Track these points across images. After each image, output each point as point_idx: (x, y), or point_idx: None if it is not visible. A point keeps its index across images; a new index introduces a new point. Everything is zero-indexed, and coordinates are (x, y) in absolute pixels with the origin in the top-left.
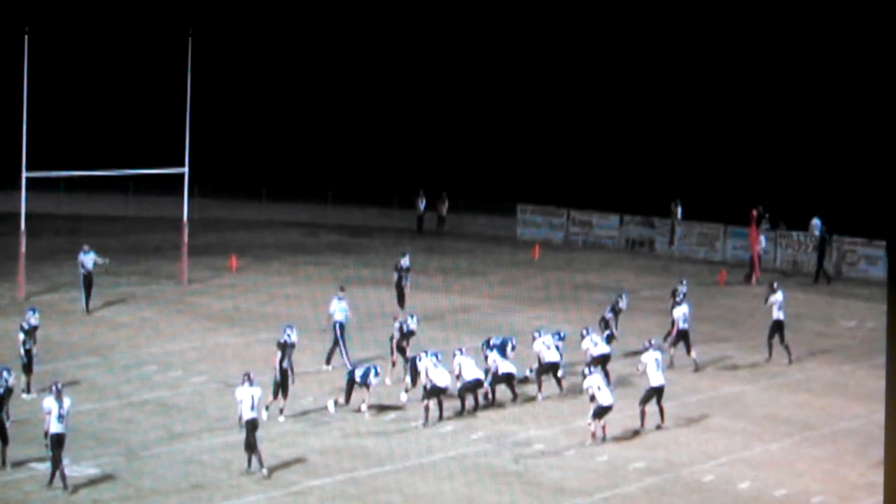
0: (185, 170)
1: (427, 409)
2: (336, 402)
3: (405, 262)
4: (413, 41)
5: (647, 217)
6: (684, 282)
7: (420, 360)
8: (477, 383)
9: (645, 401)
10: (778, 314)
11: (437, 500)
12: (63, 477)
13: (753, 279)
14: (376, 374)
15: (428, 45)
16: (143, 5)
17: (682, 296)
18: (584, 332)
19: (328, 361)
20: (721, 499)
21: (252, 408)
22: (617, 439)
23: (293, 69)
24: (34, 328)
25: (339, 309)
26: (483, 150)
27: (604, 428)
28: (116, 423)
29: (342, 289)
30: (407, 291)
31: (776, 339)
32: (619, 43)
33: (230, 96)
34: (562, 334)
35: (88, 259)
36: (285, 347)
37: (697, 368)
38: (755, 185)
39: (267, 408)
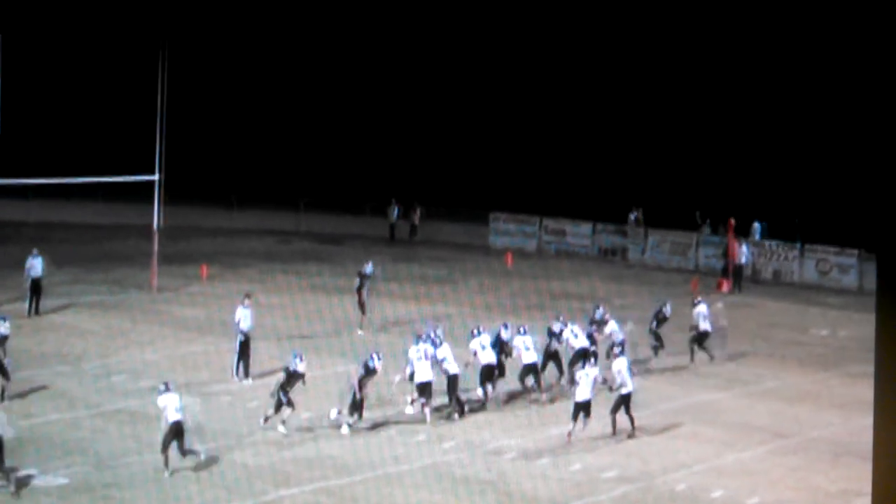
0: (157, 177)
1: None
2: (340, 412)
3: (368, 269)
4: (386, 50)
5: (620, 225)
6: (668, 303)
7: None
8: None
9: (615, 409)
10: (705, 325)
11: None
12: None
13: (725, 286)
14: (380, 358)
15: (401, 53)
16: (116, 12)
17: (654, 323)
18: (563, 325)
19: (246, 375)
20: None
21: (177, 410)
22: (589, 448)
23: (265, 77)
24: (4, 337)
25: (244, 317)
26: (455, 158)
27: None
28: (87, 432)
29: (248, 296)
30: (364, 298)
31: (697, 345)
32: (589, 51)
33: (202, 103)
34: (518, 329)
35: (38, 263)
36: (292, 376)
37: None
38: (730, 194)
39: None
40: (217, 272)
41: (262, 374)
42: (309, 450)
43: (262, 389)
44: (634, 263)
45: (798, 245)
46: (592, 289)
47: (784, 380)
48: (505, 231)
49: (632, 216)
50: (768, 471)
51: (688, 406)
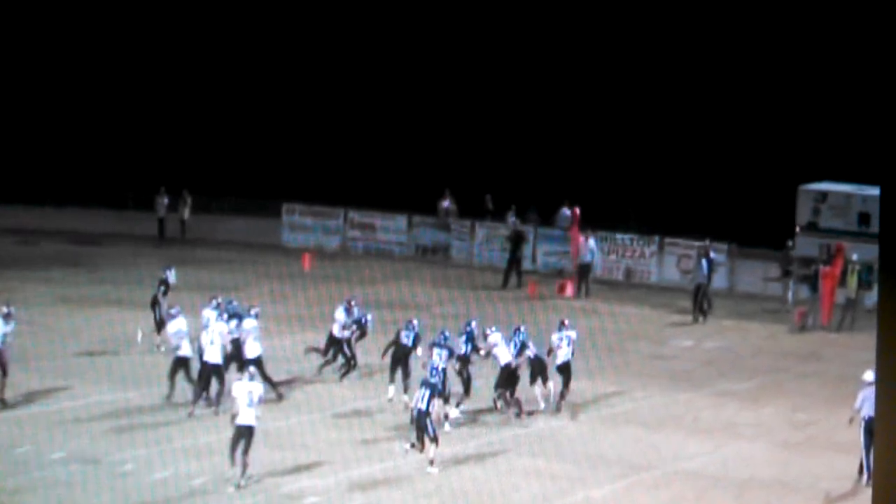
0: None
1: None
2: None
3: (171, 275)
4: (161, 30)
5: (441, 219)
6: (522, 328)
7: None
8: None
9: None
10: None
11: None
12: None
13: (569, 289)
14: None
15: (175, 35)
16: None
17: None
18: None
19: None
20: None
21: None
22: (410, 482)
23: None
24: None
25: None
26: (239, 139)
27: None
28: None
29: (7, 304)
30: (164, 312)
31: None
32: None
33: None
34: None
35: None
36: None
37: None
38: (567, 181)
39: None
40: None
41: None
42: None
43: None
44: (460, 263)
45: (656, 239)
46: (412, 294)
47: (640, 401)
48: (301, 226)
49: (443, 204)
50: None
51: (525, 436)
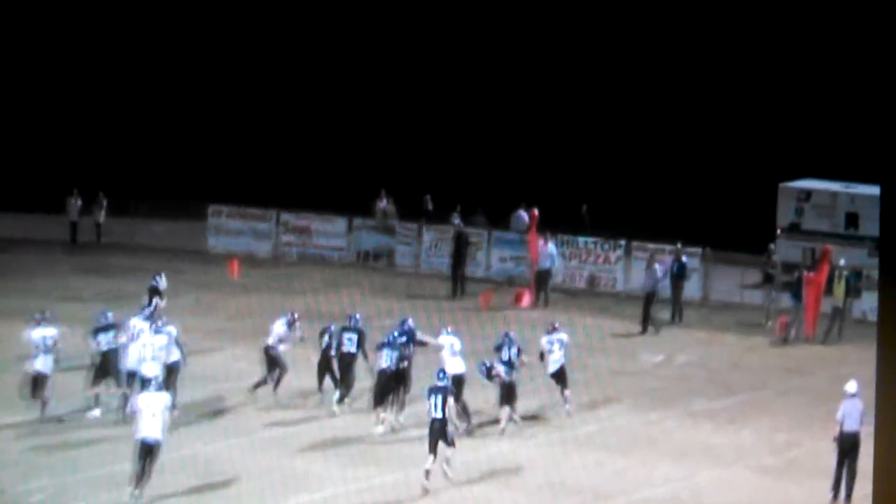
0: None
1: None
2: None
3: (162, 282)
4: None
5: (381, 221)
6: (511, 335)
7: None
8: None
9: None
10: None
11: None
12: None
13: (527, 299)
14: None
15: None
16: None
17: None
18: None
19: None
20: None
21: None
22: None
23: None
24: None
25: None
26: (156, 135)
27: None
28: None
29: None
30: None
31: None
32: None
33: None
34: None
35: None
36: None
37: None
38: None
39: None
40: None
41: None
42: None
43: None
44: (405, 271)
45: (623, 243)
46: (353, 305)
47: (605, 422)
48: (228, 230)
49: (380, 205)
50: None
51: (477, 462)
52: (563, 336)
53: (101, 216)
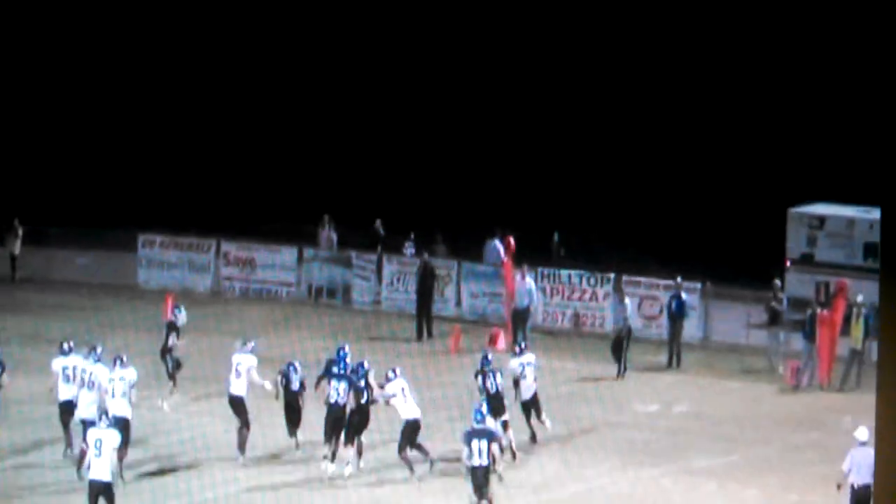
0: None
1: None
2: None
3: (181, 318)
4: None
5: (343, 250)
6: (489, 356)
7: None
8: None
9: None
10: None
11: None
12: None
13: (502, 341)
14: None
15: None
16: None
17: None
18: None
19: None
20: None
21: None
22: None
23: None
24: None
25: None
26: (80, 158)
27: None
28: None
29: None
30: (175, 355)
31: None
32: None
33: None
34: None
35: None
36: None
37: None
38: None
39: None
40: None
41: None
42: None
43: None
44: (363, 308)
45: (611, 277)
46: (303, 348)
47: (591, 482)
48: (162, 262)
49: (322, 233)
50: None
51: None
52: (531, 357)
53: (17, 247)
